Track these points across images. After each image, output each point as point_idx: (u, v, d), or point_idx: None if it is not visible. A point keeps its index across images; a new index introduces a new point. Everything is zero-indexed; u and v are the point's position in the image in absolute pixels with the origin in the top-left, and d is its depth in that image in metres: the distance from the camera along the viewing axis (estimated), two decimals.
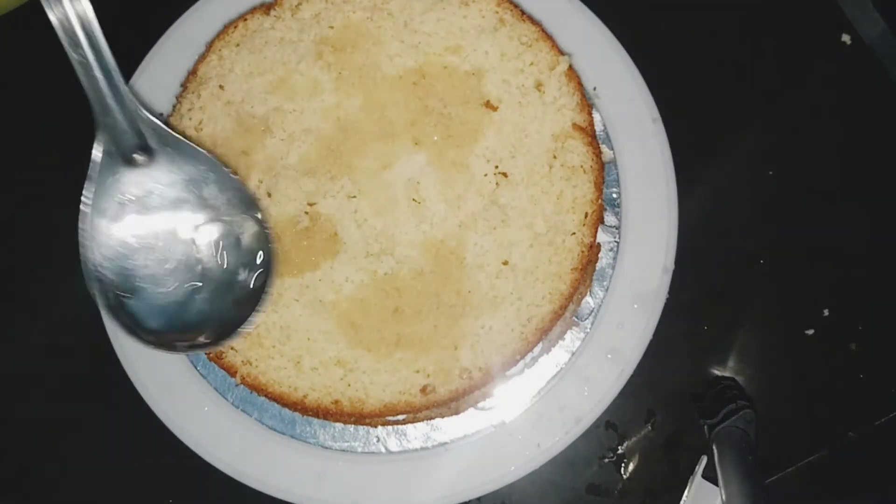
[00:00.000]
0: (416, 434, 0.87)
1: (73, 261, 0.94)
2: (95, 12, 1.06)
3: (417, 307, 0.81)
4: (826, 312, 0.94)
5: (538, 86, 0.86)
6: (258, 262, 0.78)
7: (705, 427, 0.88)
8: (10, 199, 1.04)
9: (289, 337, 0.82)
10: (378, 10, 0.88)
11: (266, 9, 0.92)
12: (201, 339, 0.76)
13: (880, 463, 0.91)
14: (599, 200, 0.83)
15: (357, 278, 0.82)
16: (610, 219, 0.90)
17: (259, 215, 0.79)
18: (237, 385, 0.83)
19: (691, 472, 0.88)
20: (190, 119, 0.89)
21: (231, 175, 0.80)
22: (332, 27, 0.89)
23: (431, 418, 0.85)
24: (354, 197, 0.84)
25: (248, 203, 0.79)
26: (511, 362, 0.80)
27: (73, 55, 0.75)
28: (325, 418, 0.84)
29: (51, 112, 1.05)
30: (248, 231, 0.79)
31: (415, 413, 0.82)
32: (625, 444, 0.92)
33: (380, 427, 0.86)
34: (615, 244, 0.90)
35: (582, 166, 0.83)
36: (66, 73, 1.05)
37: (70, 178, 0.95)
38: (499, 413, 0.86)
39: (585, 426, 0.85)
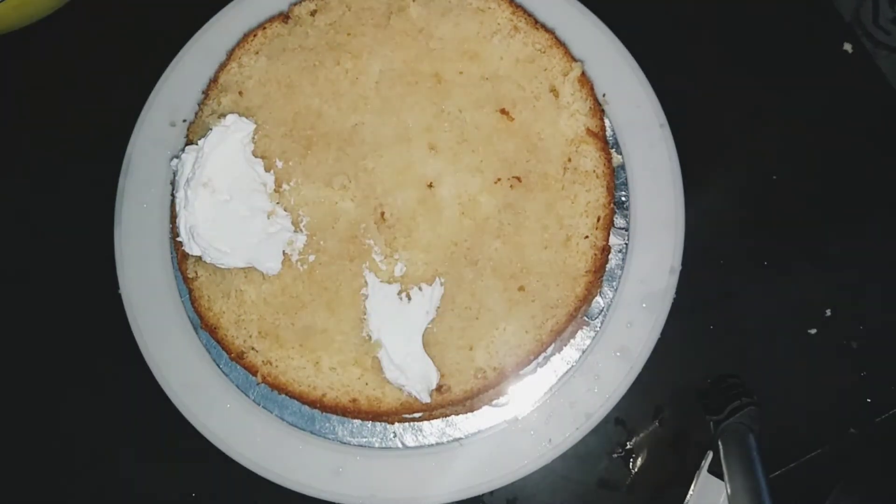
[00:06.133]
0: (432, 430, 0.85)
1: (98, 260, 0.94)
2: (120, 24, 1.07)
3: None
4: (828, 312, 0.91)
5: (552, 91, 0.83)
6: None
7: (711, 423, 0.86)
8: (44, 197, 1.02)
9: (308, 338, 0.79)
10: (394, 16, 0.86)
11: (284, 18, 0.90)
12: None
13: (881, 458, 0.89)
14: (611, 204, 0.81)
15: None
16: (619, 221, 0.88)
17: None
18: (258, 383, 0.82)
19: (697, 466, 0.86)
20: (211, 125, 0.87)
21: None
22: (348, 34, 0.87)
23: (447, 415, 0.83)
24: (371, 201, 0.82)
25: None
26: (525, 362, 0.78)
27: None
28: (344, 415, 0.82)
29: (84, 113, 1.04)
30: None
31: (430, 411, 0.79)
32: (633, 440, 0.90)
33: (396, 423, 0.84)
34: (624, 246, 0.88)
35: (595, 171, 0.81)
36: (99, 75, 1.05)
37: (104, 175, 0.95)
38: (511, 409, 0.84)
39: (595, 422, 0.84)
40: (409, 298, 0.78)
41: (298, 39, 0.88)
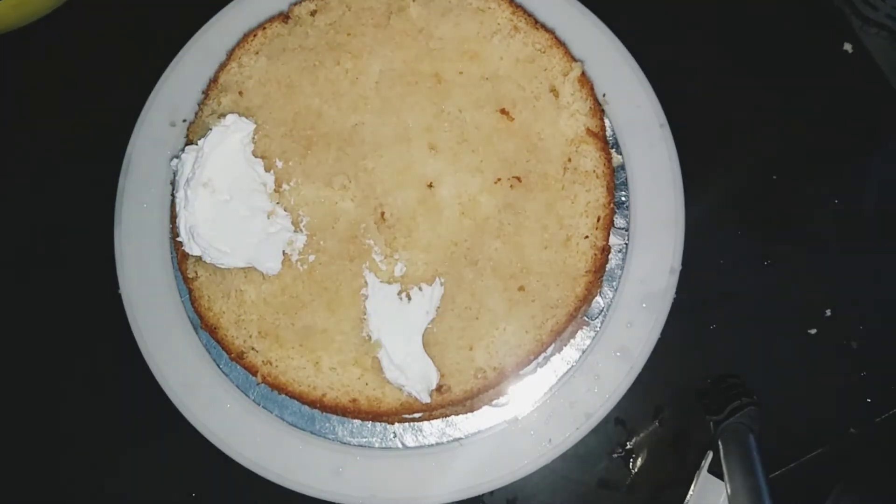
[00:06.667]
0: (432, 430, 0.85)
1: (98, 260, 0.94)
2: (120, 24, 1.07)
3: None
4: (828, 312, 0.92)
5: (552, 91, 0.83)
6: None
7: (711, 423, 0.86)
8: (44, 197, 1.02)
9: (308, 338, 0.79)
10: (394, 16, 0.86)
11: (284, 18, 0.90)
12: None
13: (881, 458, 0.89)
14: (611, 204, 0.81)
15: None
16: (619, 221, 0.88)
17: None
18: (258, 383, 0.82)
19: (698, 467, 0.86)
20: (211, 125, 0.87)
21: None
22: (348, 34, 0.87)
23: (447, 415, 0.83)
24: (371, 201, 0.82)
25: None
26: (525, 362, 0.78)
27: None
28: (344, 415, 0.82)
29: (84, 113, 1.04)
30: None
31: (430, 411, 0.79)
32: (633, 440, 0.90)
33: (396, 423, 0.84)
34: (624, 246, 0.88)
35: (595, 171, 0.81)
36: (99, 75, 1.05)
37: (104, 175, 0.95)
38: (511, 409, 0.84)
39: (595, 422, 0.84)
40: (409, 298, 0.78)
41: (298, 39, 0.88)
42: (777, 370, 0.91)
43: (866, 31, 0.98)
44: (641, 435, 0.90)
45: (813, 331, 0.91)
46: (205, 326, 0.83)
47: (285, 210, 0.81)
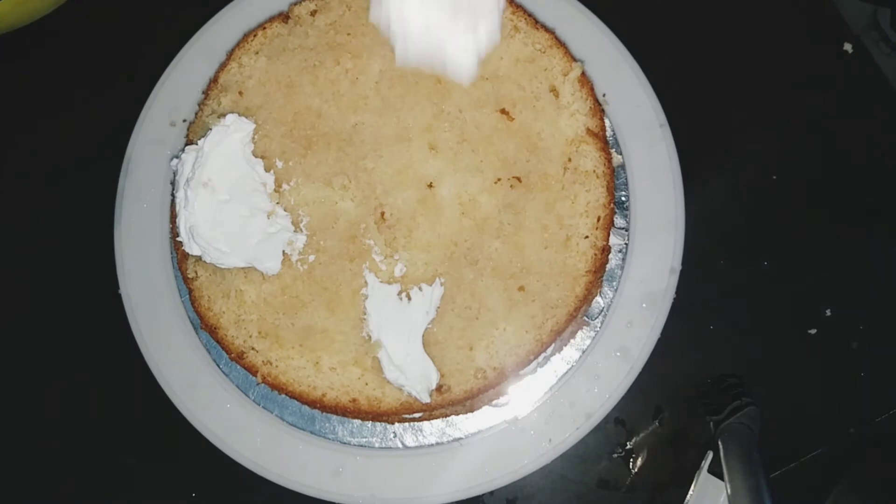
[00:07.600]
0: (432, 430, 0.85)
1: (98, 260, 0.94)
2: (120, 24, 1.07)
3: None
4: (828, 312, 0.92)
5: (552, 91, 0.83)
6: None
7: (711, 423, 0.86)
8: (44, 197, 1.02)
9: (308, 338, 0.79)
10: None
11: (284, 18, 0.90)
12: None
13: (881, 458, 0.89)
14: (611, 204, 0.81)
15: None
16: (619, 221, 0.88)
17: None
18: (258, 383, 0.82)
19: (697, 467, 0.86)
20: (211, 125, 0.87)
21: None
22: (348, 34, 0.87)
23: (447, 415, 0.83)
24: (371, 201, 0.82)
25: None
26: (525, 362, 0.78)
27: None
28: (344, 415, 0.82)
29: (84, 113, 1.04)
30: None
31: (430, 411, 0.79)
32: (633, 440, 0.90)
33: (396, 423, 0.84)
34: (624, 245, 0.88)
35: (595, 171, 0.81)
36: (99, 75, 1.05)
37: (104, 175, 0.95)
38: (511, 409, 0.84)
39: (595, 422, 0.84)
40: (409, 298, 0.78)
41: (298, 39, 0.88)
42: (777, 370, 0.91)
43: (894, 58, 0.98)
44: (641, 435, 0.90)
45: (813, 331, 0.91)
46: (205, 326, 0.83)
47: (285, 210, 0.81)
